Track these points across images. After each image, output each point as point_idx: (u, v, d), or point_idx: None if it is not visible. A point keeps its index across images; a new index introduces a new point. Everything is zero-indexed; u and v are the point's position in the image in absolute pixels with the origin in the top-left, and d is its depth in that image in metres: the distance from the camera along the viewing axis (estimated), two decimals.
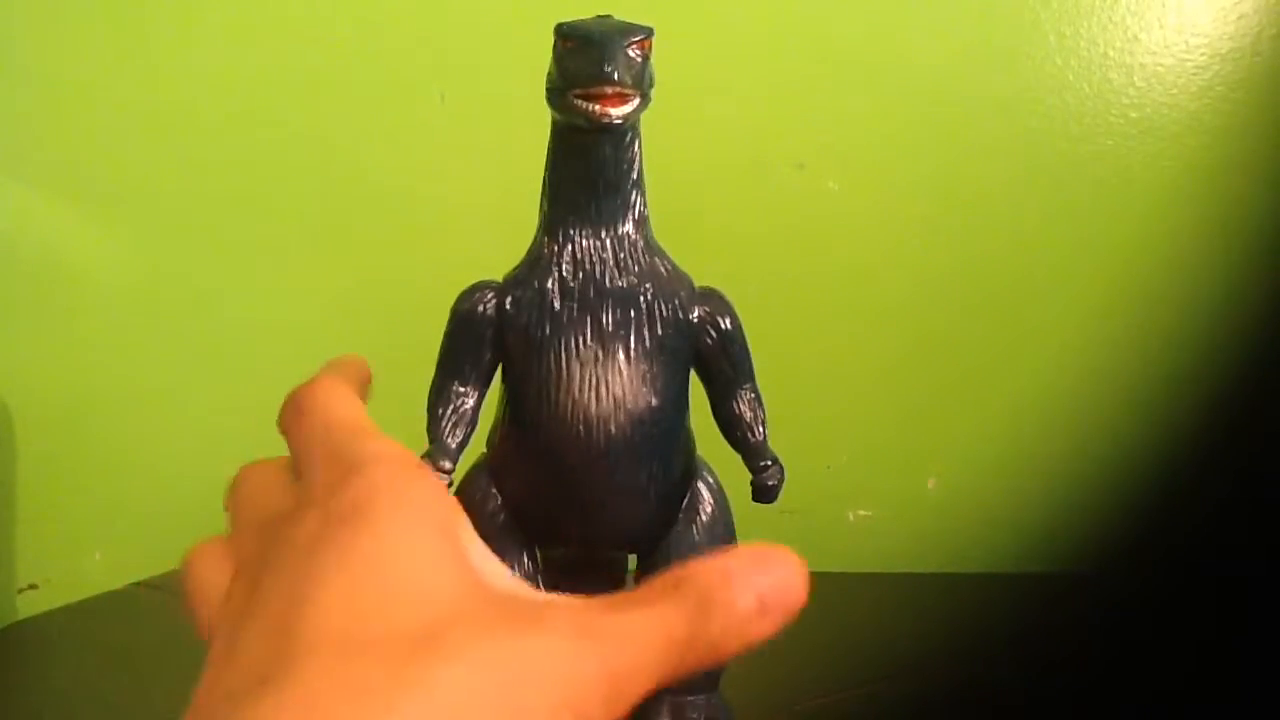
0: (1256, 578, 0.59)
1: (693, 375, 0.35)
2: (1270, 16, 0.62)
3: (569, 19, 0.33)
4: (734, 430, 0.36)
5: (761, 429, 0.35)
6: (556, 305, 0.32)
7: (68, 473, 0.67)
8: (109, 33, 0.67)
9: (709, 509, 0.36)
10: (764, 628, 0.24)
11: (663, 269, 0.33)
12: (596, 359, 0.31)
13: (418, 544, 0.21)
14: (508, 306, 0.33)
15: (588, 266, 0.32)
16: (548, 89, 0.33)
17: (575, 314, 0.32)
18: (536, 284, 0.33)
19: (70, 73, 0.66)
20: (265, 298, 0.68)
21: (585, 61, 0.30)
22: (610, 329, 0.32)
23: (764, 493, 0.36)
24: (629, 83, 0.31)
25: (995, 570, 0.65)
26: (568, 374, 0.32)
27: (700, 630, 0.22)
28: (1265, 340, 0.63)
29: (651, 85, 0.32)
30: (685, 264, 0.35)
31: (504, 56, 0.61)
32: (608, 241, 0.32)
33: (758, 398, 0.36)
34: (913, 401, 0.67)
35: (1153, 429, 0.65)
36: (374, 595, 0.20)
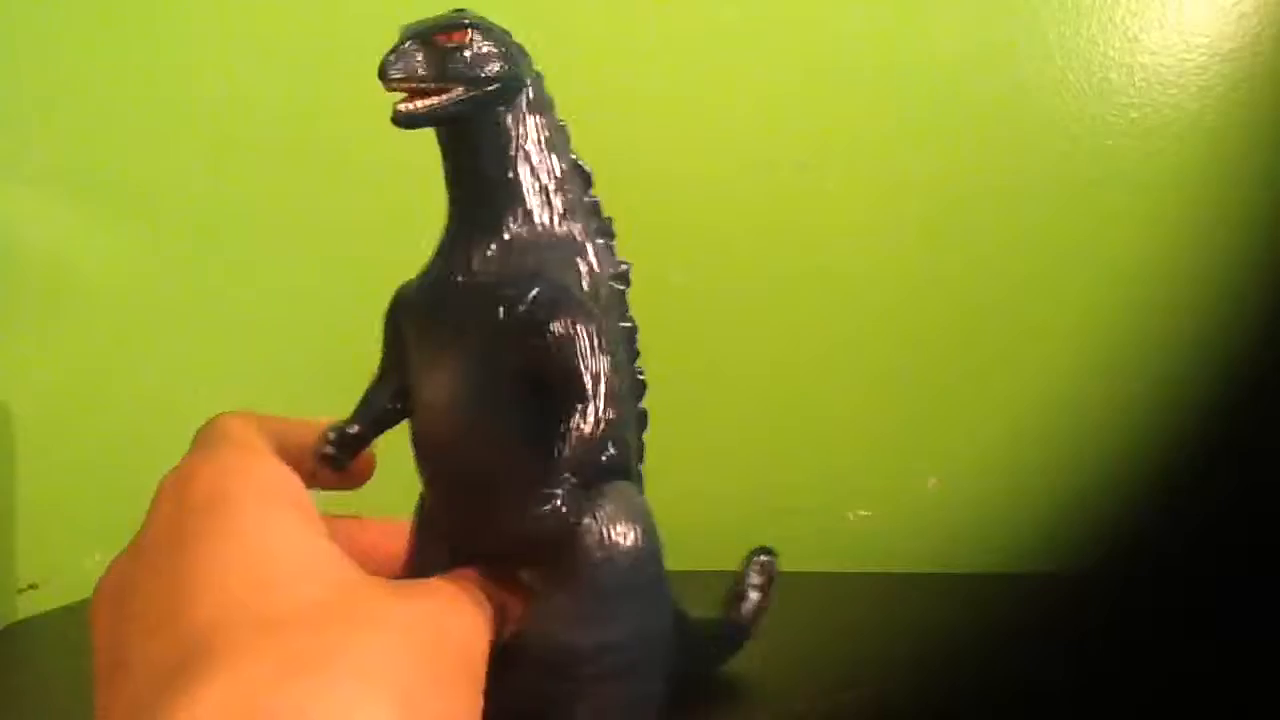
0: (1256, 578, 0.59)
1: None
2: (1270, 16, 0.62)
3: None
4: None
5: (563, 445, 0.29)
6: (421, 303, 0.32)
7: (68, 473, 0.67)
8: (109, 33, 0.67)
9: (584, 561, 0.29)
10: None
11: (525, 268, 0.30)
12: (440, 360, 0.31)
13: (285, 523, 0.21)
14: (401, 302, 0.33)
15: (451, 264, 0.31)
16: None
17: (432, 313, 0.31)
18: (417, 282, 0.33)
19: (70, 73, 0.66)
20: (265, 298, 0.68)
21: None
22: (452, 331, 0.30)
23: (533, 519, 0.28)
24: (415, 77, 0.29)
25: (995, 570, 0.65)
26: (423, 373, 0.31)
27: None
28: (1265, 340, 0.63)
29: (476, 79, 0.30)
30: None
31: None
32: (474, 239, 0.31)
33: (583, 413, 0.29)
34: (913, 401, 0.67)
35: (1153, 429, 0.65)
36: (265, 571, 0.19)
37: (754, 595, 0.44)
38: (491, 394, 0.30)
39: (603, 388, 0.29)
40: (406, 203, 0.68)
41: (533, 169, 0.31)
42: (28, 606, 0.64)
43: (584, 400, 0.29)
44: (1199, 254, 0.64)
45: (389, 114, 0.30)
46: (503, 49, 0.31)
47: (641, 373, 0.34)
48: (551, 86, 0.33)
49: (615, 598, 0.29)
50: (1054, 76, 0.64)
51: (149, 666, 0.19)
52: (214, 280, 0.68)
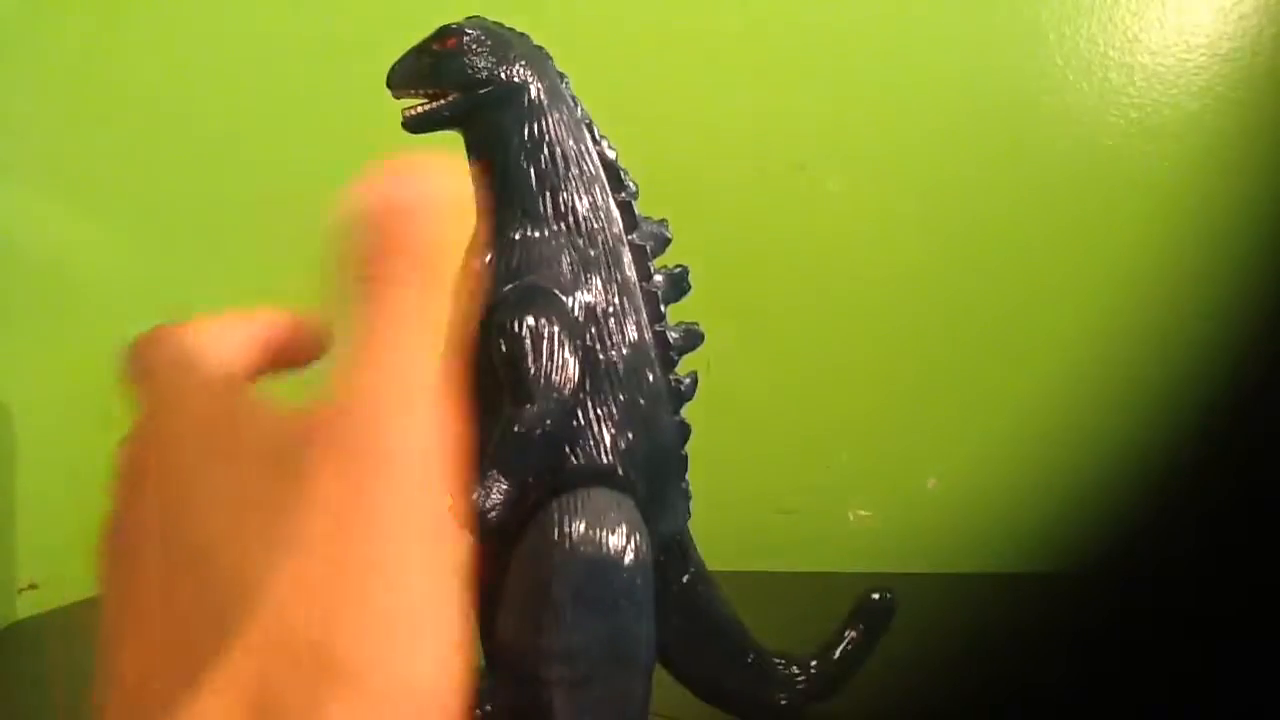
0: (1256, 577, 0.59)
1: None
2: (1270, 16, 0.62)
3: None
4: None
5: (494, 441, 0.29)
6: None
7: (68, 473, 0.66)
8: (109, 33, 0.67)
9: (540, 565, 0.29)
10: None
11: (514, 269, 0.30)
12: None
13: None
14: None
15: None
16: None
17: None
18: None
19: (70, 73, 0.66)
20: (265, 298, 0.68)
21: None
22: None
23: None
24: (408, 85, 0.31)
25: (995, 570, 0.65)
26: None
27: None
28: (1265, 340, 0.63)
29: (468, 83, 0.31)
30: (685, 263, 0.34)
31: None
32: (484, 239, 0.31)
33: (518, 412, 0.29)
34: (913, 401, 0.67)
35: (1153, 429, 0.65)
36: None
37: (850, 636, 0.38)
38: (475, 393, 0.30)
39: (546, 389, 0.29)
40: None
41: (539, 168, 0.31)
42: (28, 606, 0.64)
43: (522, 399, 0.29)
44: (1199, 254, 0.64)
45: (393, 116, 0.31)
46: (498, 53, 0.31)
47: (681, 382, 0.33)
48: None
49: (571, 605, 0.29)
50: (1054, 76, 0.64)
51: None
52: (214, 280, 0.68)
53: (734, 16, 0.66)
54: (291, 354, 0.28)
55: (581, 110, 0.33)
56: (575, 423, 0.30)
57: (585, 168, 0.32)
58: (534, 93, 0.31)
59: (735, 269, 0.66)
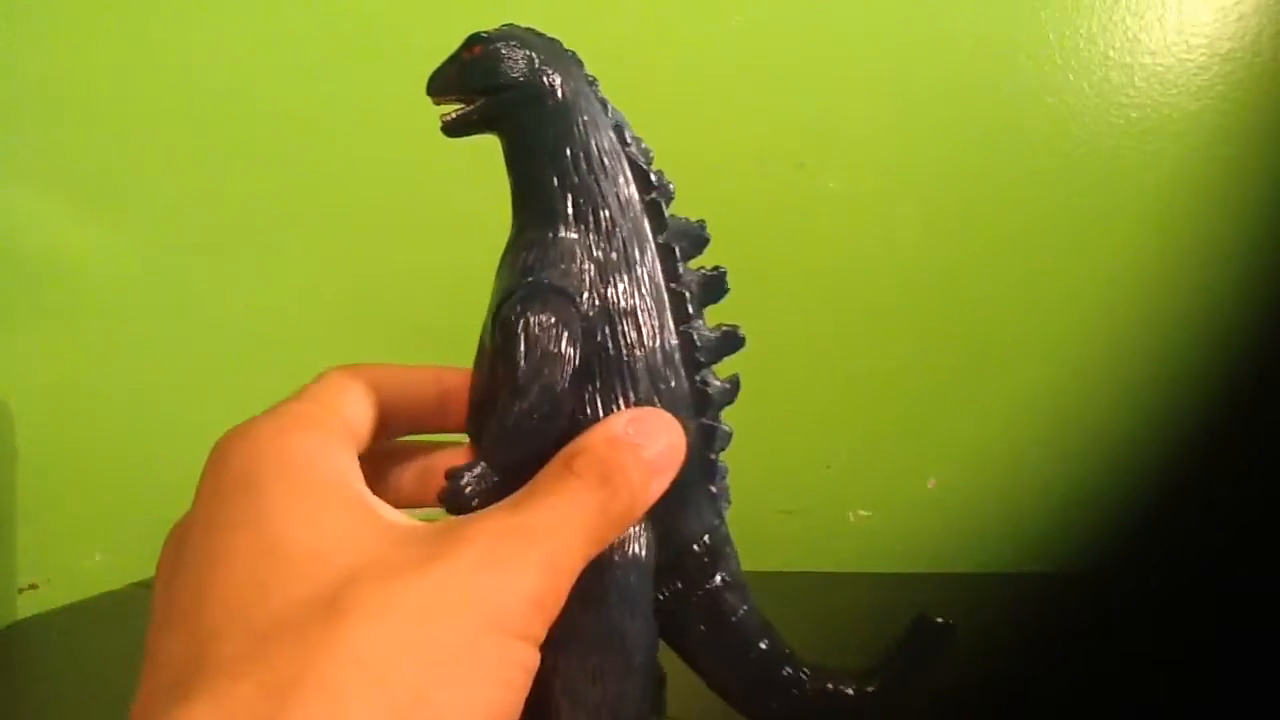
0: (1256, 578, 0.59)
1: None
2: (1270, 16, 0.62)
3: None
4: None
5: (488, 432, 0.30)
6: None
7: (68, 473, 0.67)
8: (109, 32, 0.67)
9: None
10: (660, 486, 0.24)
11: (526, 264, 0.31)
12: (478, 361, 0.32)
13: (305, 505, 0.20)
14: None
15: (497, 270, 0.33)
16: None
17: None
18: None
19: (70, 73, 0.66)
20: (265, 297, 0.68)
21: None
22: (487, 334, 0.32)
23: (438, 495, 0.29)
24: (441, 91, 0.33)
25: (995, 570, 0.65)
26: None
27: (606, 502, 0.22)
28: (1265, 340, 0.63)
29: (492, 87, 0.32)
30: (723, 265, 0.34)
31: None
32: (511, 236, 0.32)
33: (505, 405, 0.29)
34: (913, 401, 0.67)
35: (1153, 429, 0.65)
36: (268, 568, 0.19)
37: (900, 660, 0.36)
38: (481, 388, 0.31)
39: (535, 383, 0.29)
40: (406, 203, 0.68)
41: (562, 170, 0.32)
42: (28, 606, 0.64)
43: (510, 393, 0.29)
44: (1199, 253, 0.64)
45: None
46: (524, 57, 0.32)
47: (709, 384, 0.32)
48: None
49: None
50: (1054, 76, 0.64)
51: (161, 669, 0.19)
52: (214, 280, 0.68)
53: (734, 16, 0.66)
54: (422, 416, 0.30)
55: (613, 110, 0.33)
56: (581, 417, 0.30)
57: (611, 168, 0.32)
58: (560, 95, 0.32)
59: (735, 268, 0.66)
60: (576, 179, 0.32)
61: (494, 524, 0.21)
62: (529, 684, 0.20)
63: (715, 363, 0.33)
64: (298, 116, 0.67)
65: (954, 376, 0.67)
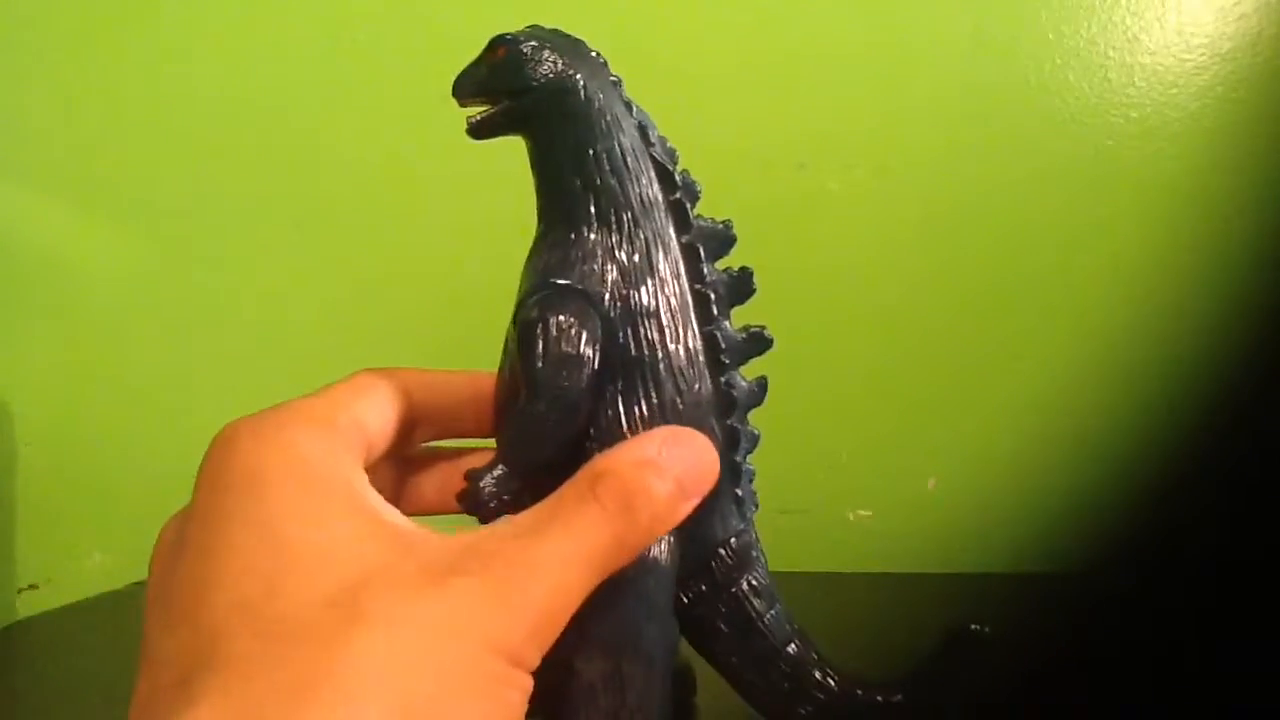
0: (1256, 577, 0.59)
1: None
2: (1270, 16, 0.62)
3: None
4: None
5: (502, 434, 0.30)
6: None
7: (68, 473, 0.67)
8: (109, 32, 0.67)
9: None
10: (686, 509, 0.24)
11: (548, 265, 0.31)
12: (502, 362, 0.32)
13: (314, 505, 0.20)
14: None
15: (523, 270, 0.33)
16: None
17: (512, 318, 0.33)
18: None
19: (70, 72, 0.66)
20: (266, 297, 0.68)
21: None
22: (511, 336, 0.32)
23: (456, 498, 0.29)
24: (467, 94, 0.32)
25: (995, 570, 0.65)
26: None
27: (627, 529, 0.22)
28: (1265, 340, 0.63)
29: (517, 89, 0.31)
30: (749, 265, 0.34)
31: None
32: (538, 244, 0.32)
33: (521, 407, 0.29)
34: (913, 401, 0.67)
35: (1153, 429, 0.65)
36: (277, 566, 0.19)
37: (933, 669, 0.36)
38: (503, 385, 0.31)
39: (553, 385, 0.29)
40: (407, 203, 0.68)
41: (585, 171, 0.32)
42: (28, 606, 0.64)
43: (530, 394, 0.29)
44: (1199, 253, 0.64)
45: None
46: (548, 58, 0.32)
47: (735, 386, 0.32)
48: None
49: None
50: (1054, 76, 0.64)
51: (162, 666, 0.18)
52: (214, 280, 0.68)
53: (735, 15, 0.66)
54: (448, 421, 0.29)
55: (638, 110, 0.33)
56: (602, 418, 0.30)
57: (635, 169, 0.32)
58: (583, 96, 0.32)
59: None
60: (599, 180, 0.32)
61: (509, 549, 0.21)
62: (525, 706, 0.20)
63: (742, 364, 0.33)
64: (299, 117, 0.67)
65: (954, 376, 0.67)
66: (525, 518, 0.22)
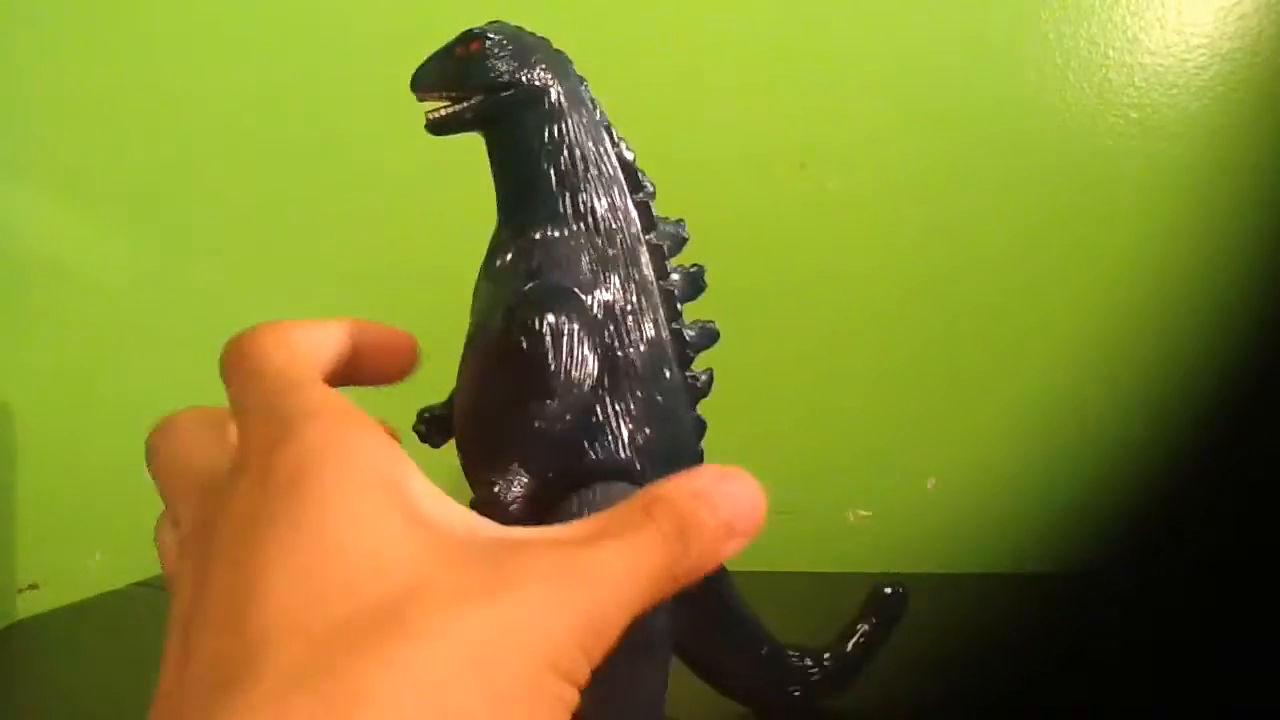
0: (1256, 578, 0.59)
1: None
2: (1270, 16, 0.62)
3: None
4: None
5: (516, 437, 0.30)
6: (474, 295, 0.34)
7: (68, 473, 0.67)
8: (110, 33, 0.67)
9: None
10: (734, 548, 0.24)
11: (533, 268, 0.31)
12: (466, 356, 0.32)
13: (366, 509, 0.19)
14: None
15: (485, 264, 0.33)
16: None
17: (471, 311, 0.33)
18: None
19: (71, 73, 0.66)
20: (265, 297, 0.68)
21: None
22: (476, 320, 0.32)
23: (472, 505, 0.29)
24: (430, 88, 0.32)
25: (995, 570, 0.65)
26: (460, 368, 0.33)
27: (677, 557, 0.22)
28: (1265, 341, 0.63)
29: (491, 85, 0.31)
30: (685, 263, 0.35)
31: None
32: (503, 236, 0.32)
33: (538, 408, 0.30)
34: (913, 401, 0.67)
35: (1153, 429, 0.65)
36: (326, 573, 0.18)
37: (863, 629, 0.41)
38: (494, 391, 0.31)
39: (566, 385, 0.29)
40: (406, 203, 0.68)
41: (560, 170, 0.32)
42: (28, 606, 0.64)
43: (542, 395, 0.29)
44: (1199, 254, 0.64)
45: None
46: (520, 56, 0.32)
47: (697, 379, 0.34)
48: None
49: None
50: (1054, 76, 0.64)
51: (205, 668, 0.18)
52: (214, 280, 0.68)
53: (735, 15, 0.66)
54: (375, 367, 0.28)
55: (601, 113, 0.33)
56: (594, 419, 0.31)
57: (604, 169, 0.32)
58: (555, 95, 0.32)
59: (735, 268, 0.66)
60: (575, 179, 0.32)
61: (563, 559, 0.20)
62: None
63: (695, 357, 0.34)
64: (299, 117, 0.67)
65: (954, 377, 0.67)
66: (577, 529, 0.22)
